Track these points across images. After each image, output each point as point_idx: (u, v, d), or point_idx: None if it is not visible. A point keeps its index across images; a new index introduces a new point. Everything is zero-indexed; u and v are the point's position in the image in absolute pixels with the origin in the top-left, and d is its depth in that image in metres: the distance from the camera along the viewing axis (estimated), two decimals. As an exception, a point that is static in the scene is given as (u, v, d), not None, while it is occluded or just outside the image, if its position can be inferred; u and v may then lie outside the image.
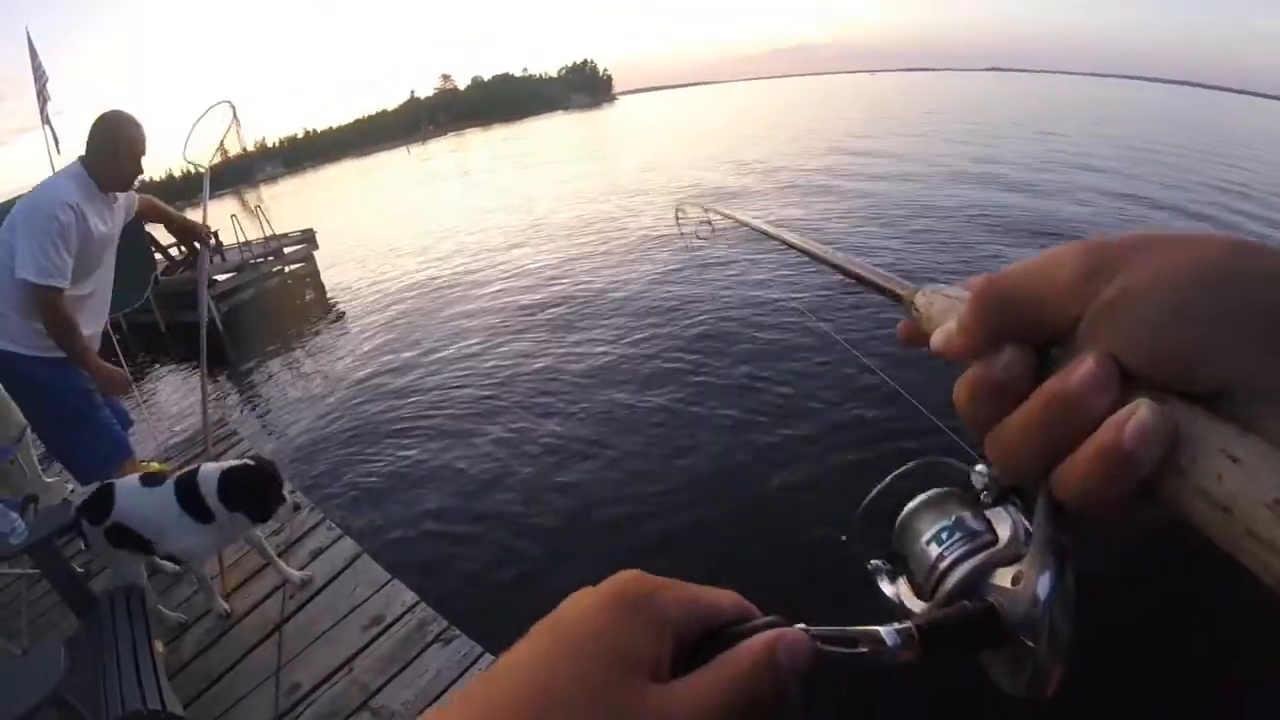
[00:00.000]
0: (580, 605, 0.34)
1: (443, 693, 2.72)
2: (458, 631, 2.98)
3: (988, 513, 0.41)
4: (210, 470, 2.90)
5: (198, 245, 3.93)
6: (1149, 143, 27.62)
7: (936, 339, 0.37)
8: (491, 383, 7.71)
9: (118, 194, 3.42)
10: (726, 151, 24.27)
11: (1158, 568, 3.69)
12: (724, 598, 0.37)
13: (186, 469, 2.96)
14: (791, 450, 5.47)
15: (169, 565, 3.60)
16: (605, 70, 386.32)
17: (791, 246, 0.67)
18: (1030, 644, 0.35)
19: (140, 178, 3.44)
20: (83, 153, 3.29)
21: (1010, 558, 0.38)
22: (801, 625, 0.35)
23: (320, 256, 16.95)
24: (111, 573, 3.09)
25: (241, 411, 8.89)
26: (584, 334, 8.63)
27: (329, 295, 15.41)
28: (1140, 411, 0.28)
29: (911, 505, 0.43)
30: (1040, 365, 0.32)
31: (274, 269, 16.34)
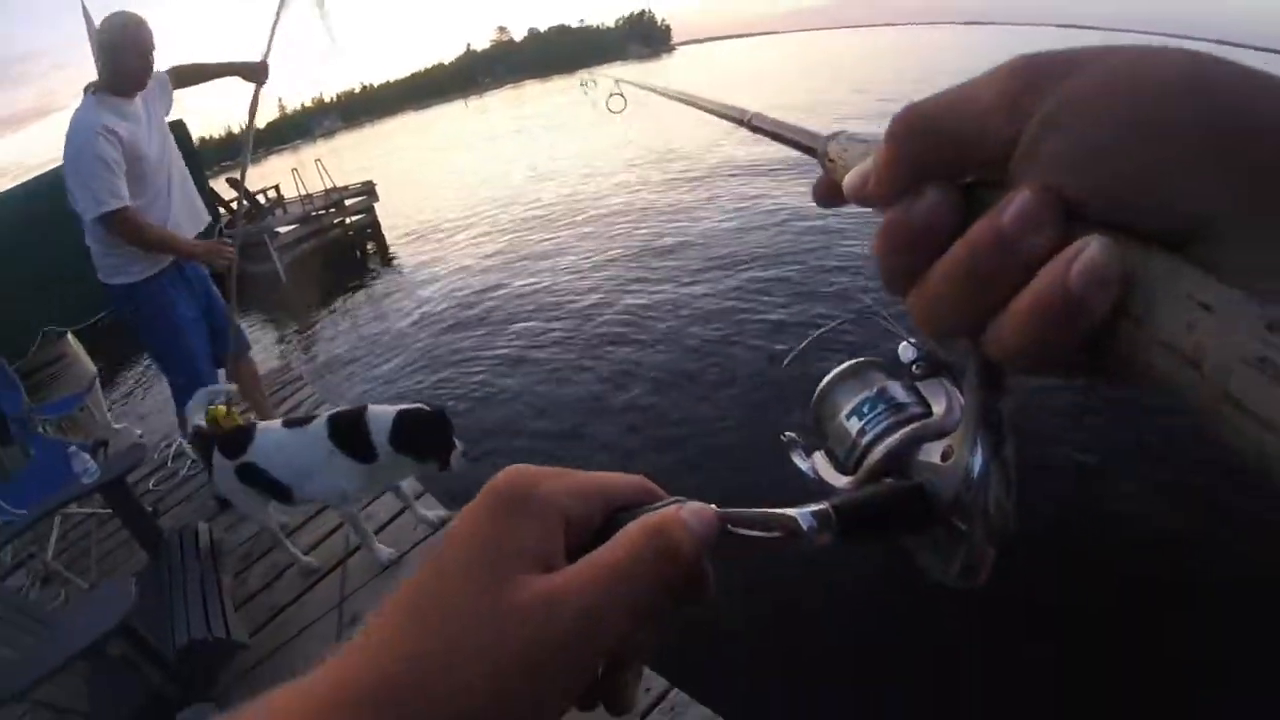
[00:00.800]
0: (461, 519, 0.32)
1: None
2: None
3: (919, 385, 0.38)
4: (381, 411, 2.78)
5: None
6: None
7: (849, 181, 0.31)
8: (551, 320, 7.75)
9: (138, 92, 3.42)
10: (785, 104, 23.10)
11: (1111, 444, 3.51)
12: (624, 480, 0.34)
13: (343, 409, 2.88)
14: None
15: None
16: (664, 20, 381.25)
17: (704, 109, 0.63)
18: (962, 526, 0.31)
19: (155, 71, 3.45)
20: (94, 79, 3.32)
21: (942, 431, 0.35)
22: (711, 506, 0.31)
23: (380, 208, 17.05)
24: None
25: (307, 358, 9.06)
26: (645, 272, 8.64)
27: (389, 246, 15.53)
28: (1090, 248, 0.23)
29: (830, 376, 0.40)
30: (969, 208, 0.27)
31: (335, 221, 16.52)
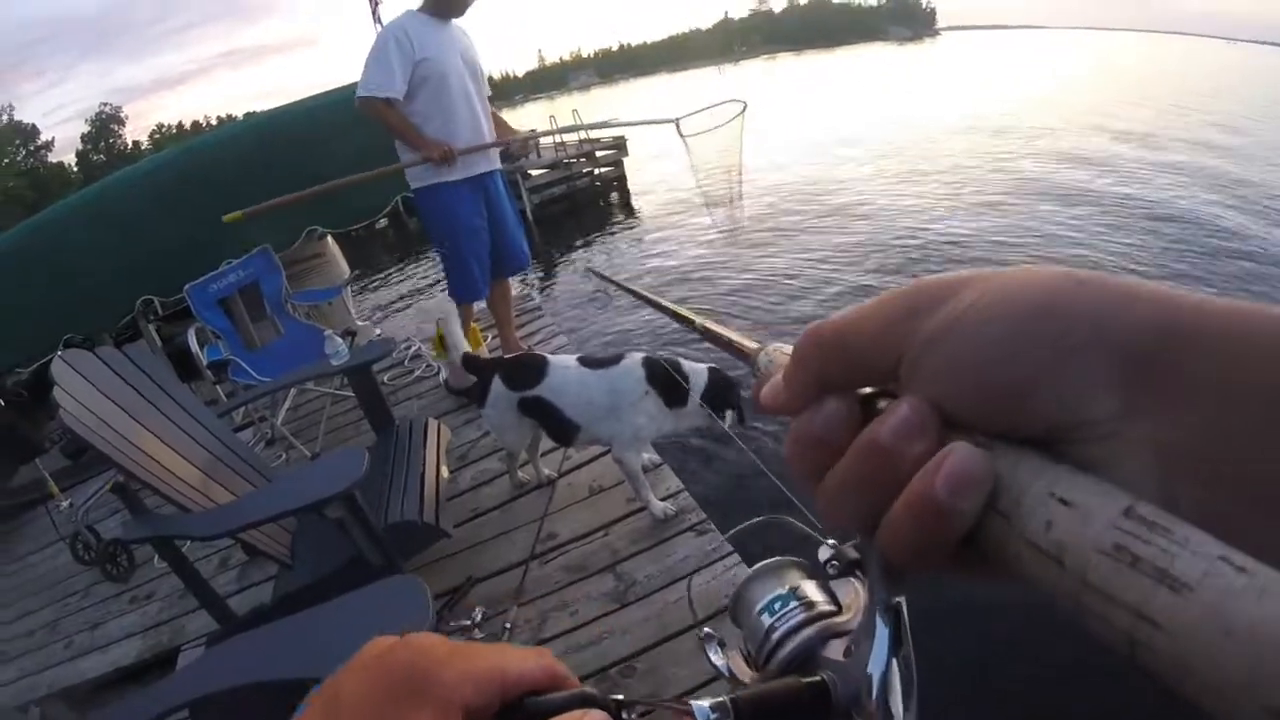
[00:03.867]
0: (356, 685, 0.31)
1: (685, 576, 2.72)
2: (712, 526, 2.95)
3: (833, 584, 0.39)
4: (696, 367, 2.84)
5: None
6: None
7: (764, 394, 0.33)
8: (764, 305, 7.63)
9: (455, 17, 3.77)
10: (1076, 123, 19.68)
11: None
12: (529, 663, 0.34)
13: (651, 355, 2.89)
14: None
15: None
16: (928, 2, 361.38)
17: (657, 307, 0.65)
18: None
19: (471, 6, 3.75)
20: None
21: (847, 629, 0.36)
22: (616, 696, 0.33)
23: (629, 162, 17.41)
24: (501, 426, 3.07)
25: (544, 292, 9.46)
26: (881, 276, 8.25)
27: (633, 200, 15.92)
28: (954, 455, 0.25)
29: (747, 574, 0.42)
30: (866, 416, 0.29)
31: (584, 170, 17.07)
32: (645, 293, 0.78)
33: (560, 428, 2.92)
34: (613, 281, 1.14)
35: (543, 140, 16.93)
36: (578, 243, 12.15)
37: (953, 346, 0.26)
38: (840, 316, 0.30)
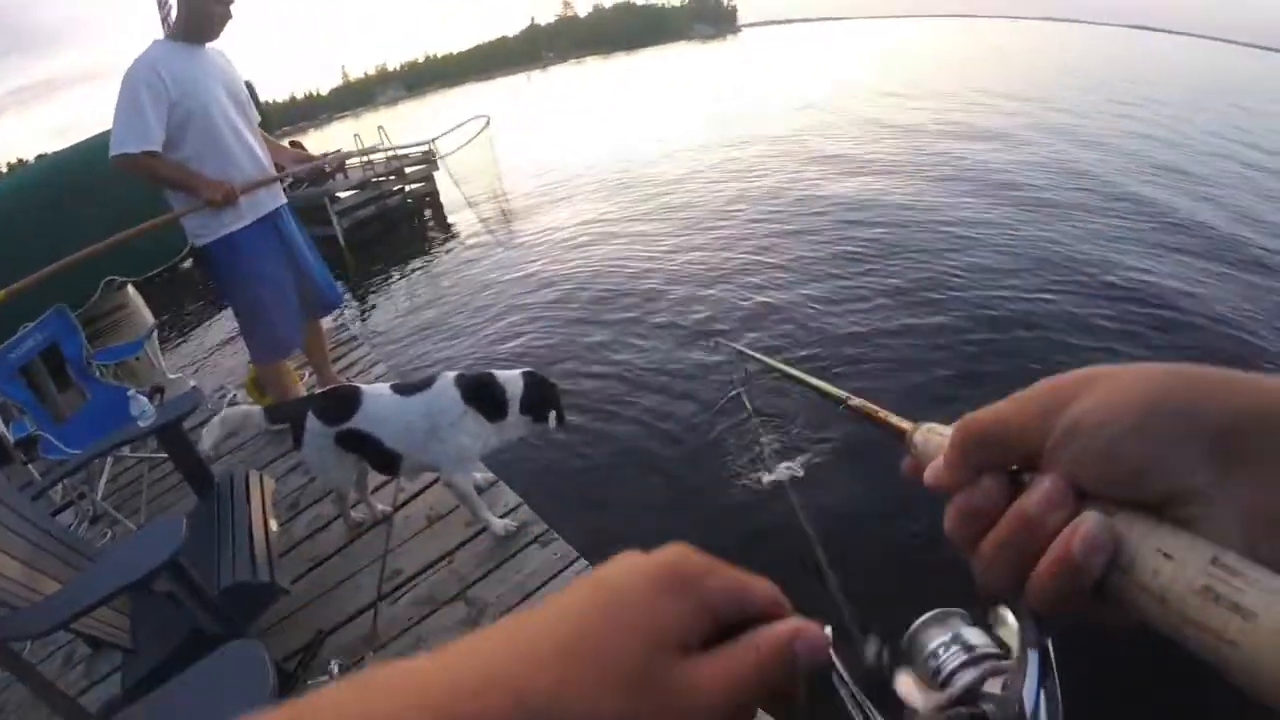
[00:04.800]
0: (629, 571, 0.35)
1: (536, 590, 2.76)
2: (556, 535, 3.01)
3: (989, 632, 0.44)
4: (510, 375, 2.83)
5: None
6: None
7: (928, 475, 0.41)
8: (596, 305, 7.71)
9: (210, 41, 3.40)
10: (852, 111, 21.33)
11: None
12: (763, 590, 0.38)
13: (463, 373, 2.86)
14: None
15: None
16: (730, 1, 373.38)
17: (811, 387, 0.73)
18: None
19: (229, 22, 3.38)
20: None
21: (1004, 668, 0.41)
22: (829, 628, 0.37)
23: (440, 178, 17.12)
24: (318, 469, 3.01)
25: (360, 319, 9.20)
26: (687, 272, 8.49)
27: (447, 215, 15.71)
28: (1086, 523, 0.32)
29: (918, 622, 0.47)
30: (1015, 489, 0.36)
31: (395, 188, 16.63)
32: (791, 369, 0.83)
33: (383, 458, 2.88)
34: (754, 357, 1.17)
35: (349, 161, 16.43)
36: (394, 265, 11.85)
37: (1083, 436, 0.33)
38: (991, 411, 0.38)
